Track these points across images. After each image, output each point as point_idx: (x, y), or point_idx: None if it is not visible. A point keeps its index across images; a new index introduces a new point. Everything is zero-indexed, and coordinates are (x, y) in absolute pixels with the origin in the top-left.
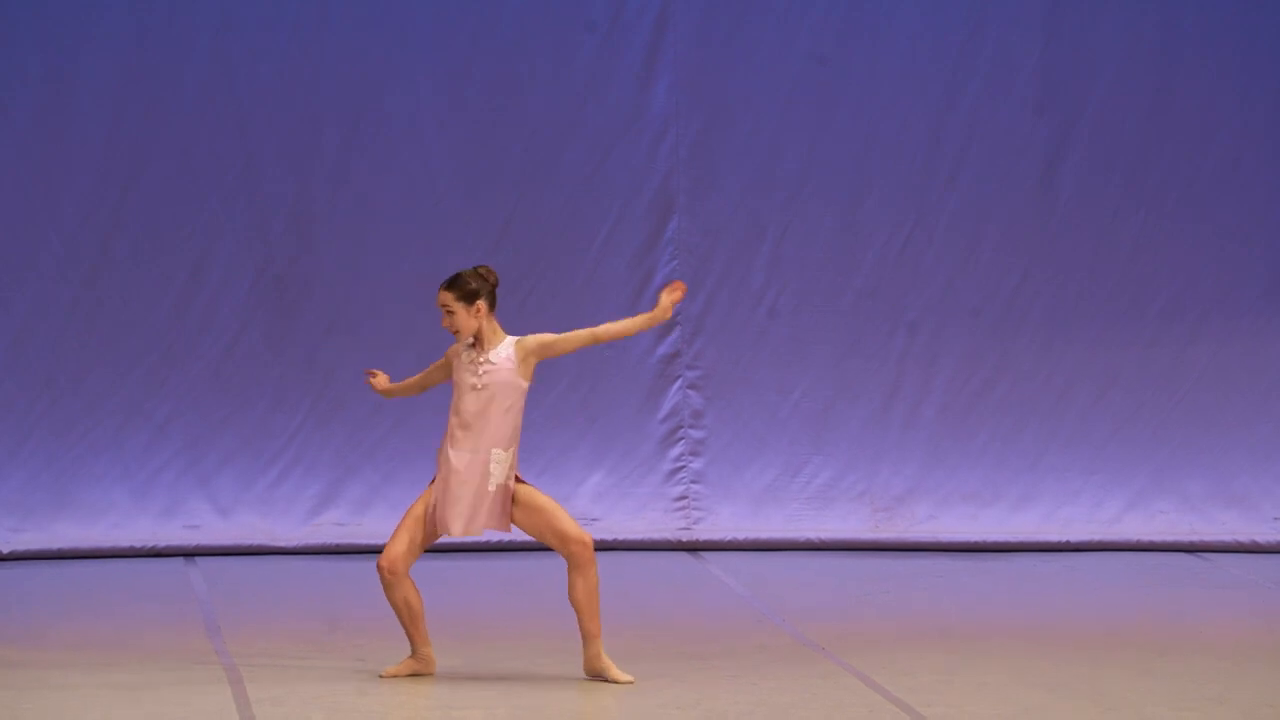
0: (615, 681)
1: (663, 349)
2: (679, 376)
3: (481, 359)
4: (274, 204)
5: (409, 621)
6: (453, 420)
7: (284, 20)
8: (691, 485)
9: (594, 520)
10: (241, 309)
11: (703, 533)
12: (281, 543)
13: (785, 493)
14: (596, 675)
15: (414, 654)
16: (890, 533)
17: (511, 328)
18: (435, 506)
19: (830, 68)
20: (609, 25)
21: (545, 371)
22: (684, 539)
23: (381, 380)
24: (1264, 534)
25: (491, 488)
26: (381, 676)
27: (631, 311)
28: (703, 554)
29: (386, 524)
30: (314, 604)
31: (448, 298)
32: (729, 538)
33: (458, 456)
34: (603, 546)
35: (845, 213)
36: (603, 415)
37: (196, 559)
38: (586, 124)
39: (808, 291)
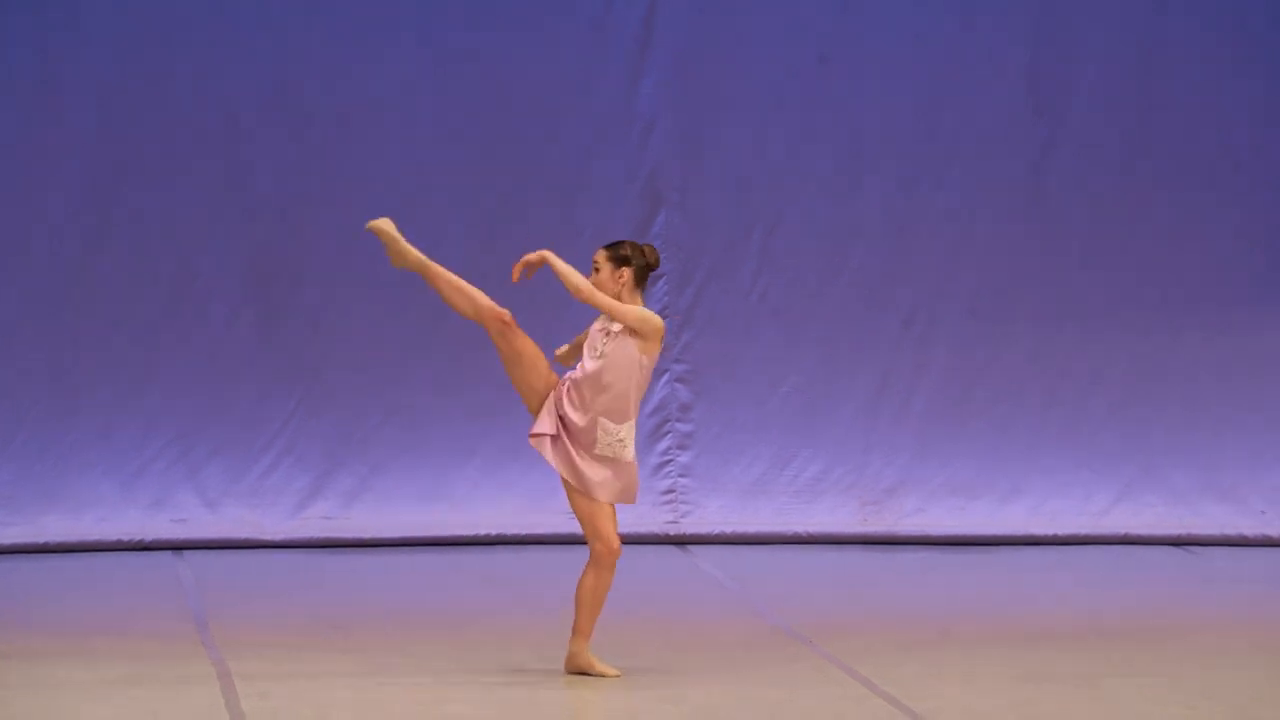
0: (601, 676)
1: None
2: (666, 370)
3: (612, 328)
4: (264, 197)
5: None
6: (575, 374)
7: (273, 15)
8: (679, 479)
9: None
10: (231, 302)
11: (690, 526)
12: (269, 536)
13: (773, 486)
14: (578, 671)
15: None
16: (879, 526)
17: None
18: (556, 397)
19: (827, 64)
20: (599, 19)
21: None
22: (671, 532)
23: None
24: (1252, 527)
25: (597, 452)
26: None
27: None
28: (690, 547)
29: (374, 518)
30: (302, 598)
31: (601, 254)
32: (717, 531)
33: (575, 412)
34: None
35: (835, 207)
36: None
37: (184, 552)
38: (576, 117)
39: (797, 285)
